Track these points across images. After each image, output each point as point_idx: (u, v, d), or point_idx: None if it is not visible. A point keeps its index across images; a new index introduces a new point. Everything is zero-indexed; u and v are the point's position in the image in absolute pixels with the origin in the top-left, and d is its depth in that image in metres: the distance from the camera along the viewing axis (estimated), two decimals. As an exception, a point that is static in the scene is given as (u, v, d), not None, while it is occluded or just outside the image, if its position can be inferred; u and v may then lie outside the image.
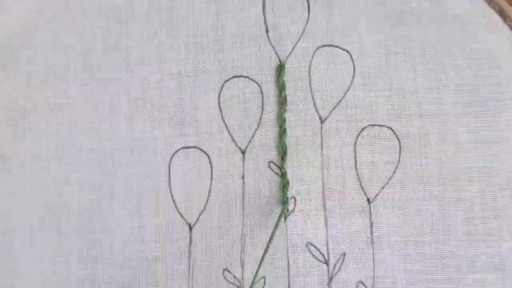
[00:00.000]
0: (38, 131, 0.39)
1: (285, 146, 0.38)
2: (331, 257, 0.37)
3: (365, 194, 0.38)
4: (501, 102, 0.38)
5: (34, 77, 0.39)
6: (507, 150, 0.38)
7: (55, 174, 0.38)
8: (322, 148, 0.38)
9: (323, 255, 0.37)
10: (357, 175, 0.38)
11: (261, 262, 0.35)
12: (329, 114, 0.39)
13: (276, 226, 0.37)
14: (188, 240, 0.37)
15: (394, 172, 0.38)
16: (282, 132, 0.38)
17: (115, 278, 0.37)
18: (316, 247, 0.37)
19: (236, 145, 0.38)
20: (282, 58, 0.39)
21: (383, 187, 0.38)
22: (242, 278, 0.37)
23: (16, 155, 0.38)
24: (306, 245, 0.37)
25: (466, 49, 0.39)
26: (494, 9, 0.40)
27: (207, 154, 0.38)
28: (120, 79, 0.39)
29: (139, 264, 0.37)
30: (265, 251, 0.36)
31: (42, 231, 0.37)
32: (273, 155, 0.38)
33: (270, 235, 0.37)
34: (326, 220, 0.37)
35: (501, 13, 0.39)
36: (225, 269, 0.37)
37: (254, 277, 0.35)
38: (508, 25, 0.39)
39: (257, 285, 0.37)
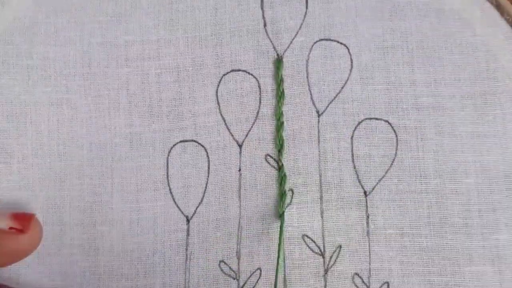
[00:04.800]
0: (39, 126, 0.39)
1: (282, 140, 0.38)
2: (327, 249, 0.37)
3: (362, 187, 0.38)
4: (497, 95, 0.38)
5: (34, 71, 0.39)
6: (503, 144, 0.38)
7: (56, 169, 0.38)
8: (319, 142, 0.38)
9: (319, 247, 0.37)
10: (354, 168, 0.38)
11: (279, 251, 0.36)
12: (326, 108, 0.38)
13: (282, 220, 0.37)
14: (185, 232, 0.38)
15: (391, 165, 0.38)
16: (279, 126, 0.38)
17: (115, 270, 0.37)
18: (312, 239, 0.37)
19: (234, 139, 0.38)
20: (280, 52, 0.39)
21: (379, 180, 0.38)
22: (238, 270, 0.37)
23: (17, 149, 0.38)
24: (302, 237, 0.37)
25: (463, 43, 0.39)
26: (492, 3, 0.39)
27: (204, 148, 0.38)
28: (119, 74, 0.39)
29: (138, 256, 0.37)
30: (280, 245, 0.36)
31: (45, 224, 0.37)
32: (270, 148, 0.38)
33: (268, 228, 0.37)
34: (322, 212, 0.37)
35: (499, 7, 0.39)
36: (221, 261, 0.37)
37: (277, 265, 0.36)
38: (505, 19, 0.39)
39: (253, 277, 0.37)
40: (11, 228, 0.34)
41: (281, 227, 0.37)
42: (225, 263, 0.37)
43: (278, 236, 0.37)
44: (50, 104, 0.39)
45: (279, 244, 0.37)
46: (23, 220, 0.35)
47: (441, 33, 0.39)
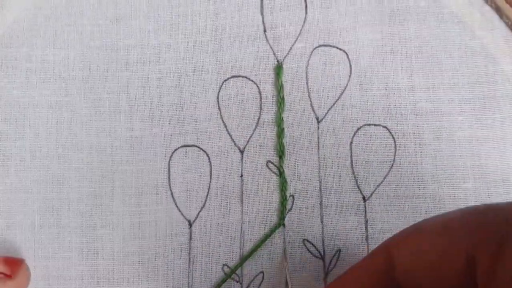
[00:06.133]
0: (38, 128, 0.40)
1: (283, 146, 0.39)
2: (327, 253, 0.38)
3: (361, 192, 0.39)
4: (496, 99, 0.39)
5: (33, 74, 0.40)
6: (501, 148, 0.39)
7: (55, 171, 0.39)
8: (318, 148, 0.39)
9: (319, 251, 0.38)
10: (353, 174, 0.39)
11: (249, 254, 0.38)
12: (326, 114, 0.40)
13: (275, 228, 0.38)
14: (188, 236, 0.39)
15: (389, 170, 0.39)
16: (280, 132, 0.39)
17: (115, 273, 0.38)
18: (312, 243, 0.38)
19: (235, 144, 0.40)
20: (280, 58, 0.40)
21: (378, 186, 0.39)
22: (241, 273, 0.38)
23: (15, 152, 0.39)
24: (302, 241, 0.38)
25: (462, 47, 0.40)
26: (491, 6, 0.40)
27: (206, 153, 0.40)
28: (119, 78, 0.40)
29: (139, 259, 0.39)
30: (257, 246, 0.38)
31: (42, 227, 0.39)
32: (271, 154, 0.39)
33: (268, 232, 0.39)
34: (322, 217, 0.39)
35: (498, 10, 0.40)
36: (224, 265, 0.38)
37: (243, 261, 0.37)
38: (504, 22, 0.40)
39: (256, 280, 0.38)
40: None
41: (275, 230, 0.39)
42: (228, 266, 0.38)
43: (279, 241, 0.39)
44: (49, 107, 0.40)
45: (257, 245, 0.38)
46: (12, 266, 0.36)
47: (440, 37, 0.40)
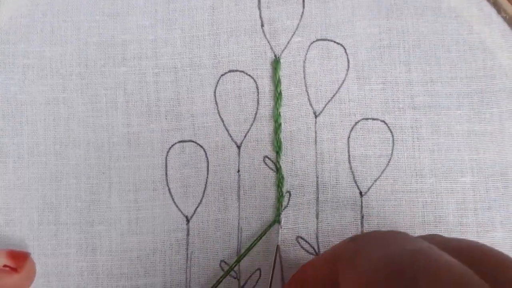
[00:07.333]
0: (35, 125, 0.40)
1: (280, 141, 0.39)
2: (321, 250, 0.38)
3: (358, 187, 0.39)
4: (494, 94, 0.39)
5: (30, 70, 0.40)
6: (499, 142, 0.39)
7: (52, 167, 0.39)
8: (316, 143, 0.39)
9: (313, 248, 0.38)
10: (350, 168, 0.39)
11: (245, 252, 0.37)
12: (323, 109, 0.39)
13: (271, 225, 0.38)
14: (185, 232, 0.39)
15: (387, 165, 0.39)
16: (277, 127, 0.39)
17: (114, 269, 0.38)
18: (306, 240, 0.38)
19: (232, 139, 0.39)
20: (278, 53, 0.40)
21: (375, 180, 0.39)
22: (239, 269, 0.38)
23: (13, 149, 0.39)
24: (296, 239, 0.38)
25: (460, 41, 0.40)
26: (489, 1, 0.40)
27: (203, 148, 0.39)
28: (116, 73, 0.40)
29: (138, 255, 0.39)
30: (253, 243, 0.37)
31: (41, 224, 0.39)
32: (268, 149, 0.39)
33: (264, 228, 0.38)
34: (317, 213, 0.38)
35: (495, 5, 0.40)
36: (222, 261, 0.38)
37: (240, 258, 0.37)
38: (502, 16, 0.40)
39: (253, 276, 0.38)
40: (5, 265, 0.35)
41: (270, 227, 0.38)
42: (225, 262, 0.38)
43: (275, 238, 0.38)
44: (47, 103, 0.40)
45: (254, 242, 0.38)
46: (18, 260, 0.36)
47: (438, 32, 0.40)
